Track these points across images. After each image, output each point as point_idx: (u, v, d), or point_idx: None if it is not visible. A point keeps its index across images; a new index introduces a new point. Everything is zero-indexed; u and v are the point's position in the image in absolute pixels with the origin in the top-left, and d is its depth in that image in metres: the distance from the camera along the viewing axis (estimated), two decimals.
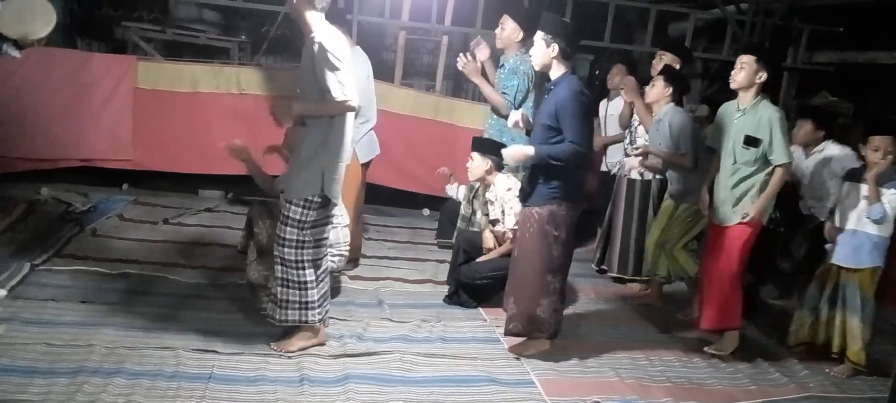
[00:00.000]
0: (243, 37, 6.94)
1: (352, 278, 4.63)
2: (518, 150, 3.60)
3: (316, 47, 3.19)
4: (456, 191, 5.11)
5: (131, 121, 5.82)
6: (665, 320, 4.51)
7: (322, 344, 3.56)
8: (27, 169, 5.62)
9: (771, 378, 3.87)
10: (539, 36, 3.53)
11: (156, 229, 5.22)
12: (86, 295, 3.87)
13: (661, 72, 4.57)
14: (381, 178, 6.18)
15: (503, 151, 3.72)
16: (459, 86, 7.37)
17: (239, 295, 4.10)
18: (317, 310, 3.47)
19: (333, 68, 3.19)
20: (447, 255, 5.35)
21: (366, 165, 4.67)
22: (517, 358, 3.71)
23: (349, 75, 3.28)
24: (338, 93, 3.20)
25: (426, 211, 6.57)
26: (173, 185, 6.19)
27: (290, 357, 3.42)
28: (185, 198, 6.04)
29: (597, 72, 7.75)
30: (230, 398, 3.02)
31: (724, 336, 4.08)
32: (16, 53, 4.29)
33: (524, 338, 3.79)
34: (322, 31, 3.26)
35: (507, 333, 3.80)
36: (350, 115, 3.38)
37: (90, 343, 3.29)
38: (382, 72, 6.51)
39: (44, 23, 4.25)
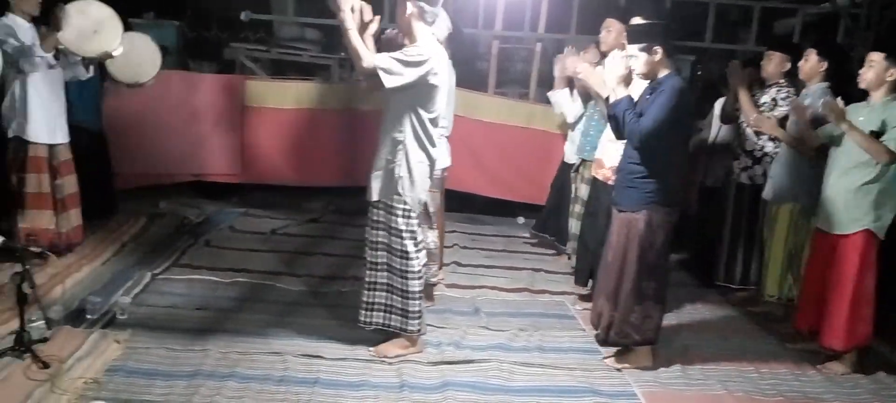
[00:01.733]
0: (343, 54, 7.16)
1: (448, 286, 4.68)
2: (598, 75, 3.53)
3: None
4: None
5: (240, 137, 6.11)
6: (778, 330, 4.29)
7: (420, 352, 3.63)
8: (147, 184, 6.01)
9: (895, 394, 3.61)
10: (635, 49, 3.42)
11: (264, 239, 5.47)
12: (201, 303, 4.10)
13: (814, 45, 4.30)
14: (474, 187, 6.23)
15: (581, 66, 3.60)
16: None
17: (342, 302, 4.22)
18: (417, 321, 3.53)
19: (400, 55, 3.21)
20: (544, 263, 5.34)
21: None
22: (618, 370, 3.64)
23: (411, 77, 3.23)
24: (383, 62, 3.18)
25: (521, 219, 6.55)
26: (279, 198, 6.46)
27: (390, 364, 3.50)
28: (290, 210, 6.29)
29: (698, 72, 7.49)
30: (334, 402, 3.12)
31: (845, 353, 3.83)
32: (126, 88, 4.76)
33: (620, 348, 3.71)
34: (422, 41, 3.31)
35: (603, 341, 3.72)
36: (440, 136, 3.42)
37: (205, 348, 3.49)
38: (475, 81, 6.57)
39: (150, 66, 4.66)
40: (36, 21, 4.25)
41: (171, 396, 3.04)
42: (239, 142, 6.12)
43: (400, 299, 3.49)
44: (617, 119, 3.45)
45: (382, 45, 3.46)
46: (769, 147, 4.59)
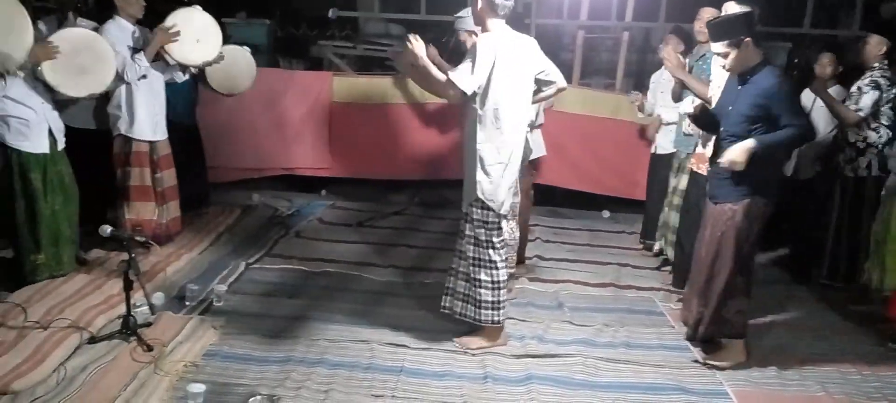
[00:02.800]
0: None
1: (531, 280, 4.65)
2: (740, 150, 3.23)
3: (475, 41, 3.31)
4: None
5: (328, 132, 6.28)
6: (882, 330, 4.03)
7: (503, 344, 3.63)
8: (240, 178, 6.26)
9: None
10: (722, 46, 3.26)
11: (351, 231, 5.60)
12: (292, 291, 4.25)
13: None
14: (557, 180, 6.16)
15: (725, 156, 3.29)
16: (641, 83, 7.13)
17: (426, 293, 4.28)
18: (492, 313, 3.55)
19: (472, 59, 3.24)
20: (630, 258, 5.22)
21: (531, 165, 4.69)
22: (719, 368, 3.50)
23: (484, 75, 3.26)
24: (456, 75, 3.24)
25: (606, 213, 6.43)
26: (365, 190, 6.59)
27: (474, 355, 3.52)
28: (375, 203, 6.41)
29: (795, 60, 7.14)
30: (419, 391, 3.17)
31: None
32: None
33: (714, 346, 3.59)
34: (493, 32, 3.34)
35: (693, 338, 3.63)
36: (517, 127, 3.41)
37: (296, 335, 3.62)
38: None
39: (245, 80, 4.94)
40: (139, 22, 4.50)
41: (263, 380, 3.16)
42: (326, 136, 6.28)
43: (489, 291, 3.51)
44: (781, 144, 3.28)
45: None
46: (872, 137, 4.34)
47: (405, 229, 5.73)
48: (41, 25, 4.23)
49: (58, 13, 4.30)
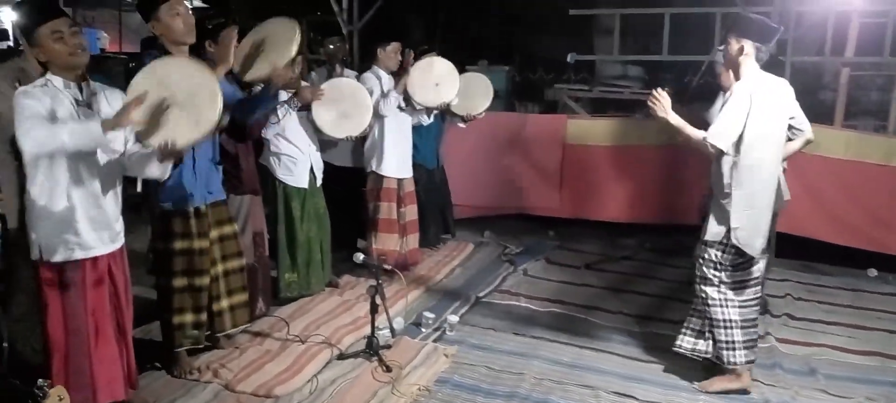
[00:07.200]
0: (666, 88, 7.01)
1: (780, 340, 4.22)
2: None
3: (729, 93, 3.31)
4: None
5: (559, 173, 6.33)
6: None
7: (746, 391, 3.44)
8: (475, 215, 6.53)
9: None
10: None
11: (578, 273, 5.55)
12: (518, 328, 4.31)
13: None
14: (813, 231, 5.54)
15: None
16: None
17: (656, 344, 4.08)
18: (741, 352, 3.42)
19: (726, 113, 3.24)
20: None
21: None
22: None
23: (739, 128, 3.23)
24: (713, 135, 3.24)
25: (873, 272, 5.62)
26: (593, 233, 6.50)
27: None
28: (604, 246, 6.30)
29: None
30: None
31: None
32: (462, 125, 5.36)
33: None
34: (749, 79, 3.28)
35: None
36: (771, 173, 3.32)
37: (521, 372, 3.65)
38: (818, 113, 5.88)
39: (483, 100, 5.20)
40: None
41: None
42: (557, 177, 6.33)
43: (721, 330, 3.44)
44: None
45: None
46: None
47: (635, 275, 5.54)
48: (313, 75, 4.88)
49: (327, 65, 4.92)
